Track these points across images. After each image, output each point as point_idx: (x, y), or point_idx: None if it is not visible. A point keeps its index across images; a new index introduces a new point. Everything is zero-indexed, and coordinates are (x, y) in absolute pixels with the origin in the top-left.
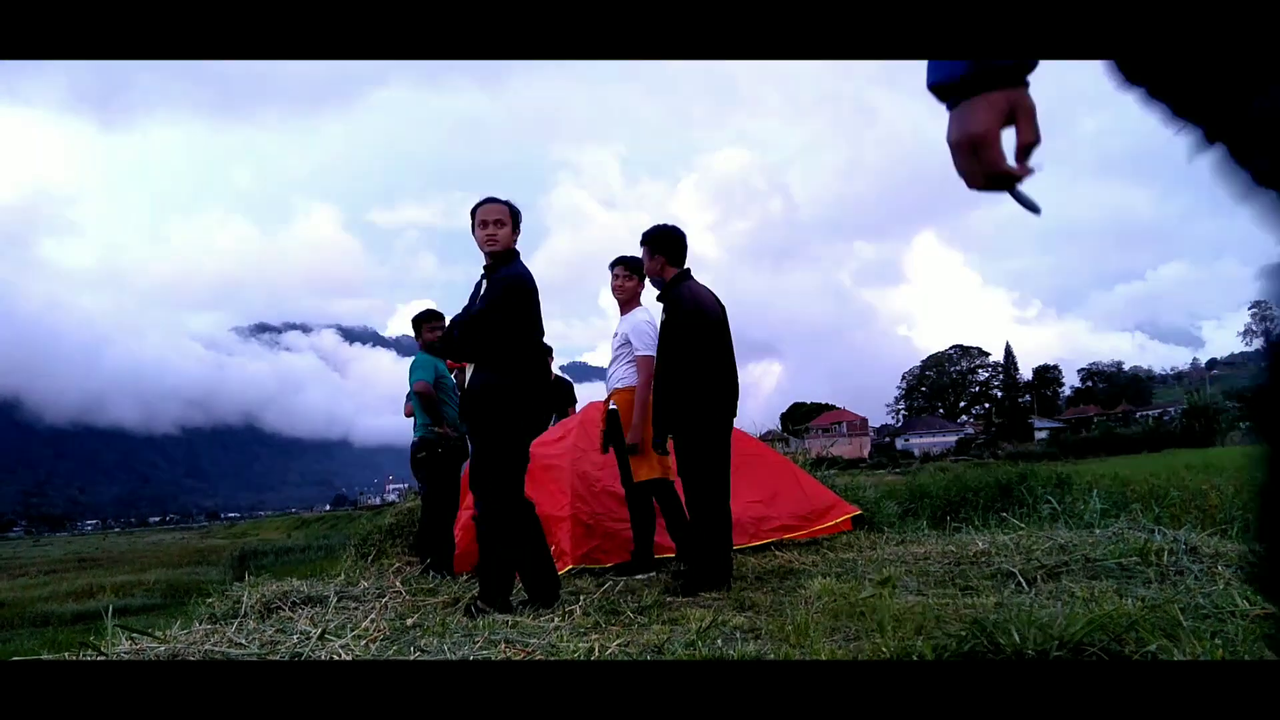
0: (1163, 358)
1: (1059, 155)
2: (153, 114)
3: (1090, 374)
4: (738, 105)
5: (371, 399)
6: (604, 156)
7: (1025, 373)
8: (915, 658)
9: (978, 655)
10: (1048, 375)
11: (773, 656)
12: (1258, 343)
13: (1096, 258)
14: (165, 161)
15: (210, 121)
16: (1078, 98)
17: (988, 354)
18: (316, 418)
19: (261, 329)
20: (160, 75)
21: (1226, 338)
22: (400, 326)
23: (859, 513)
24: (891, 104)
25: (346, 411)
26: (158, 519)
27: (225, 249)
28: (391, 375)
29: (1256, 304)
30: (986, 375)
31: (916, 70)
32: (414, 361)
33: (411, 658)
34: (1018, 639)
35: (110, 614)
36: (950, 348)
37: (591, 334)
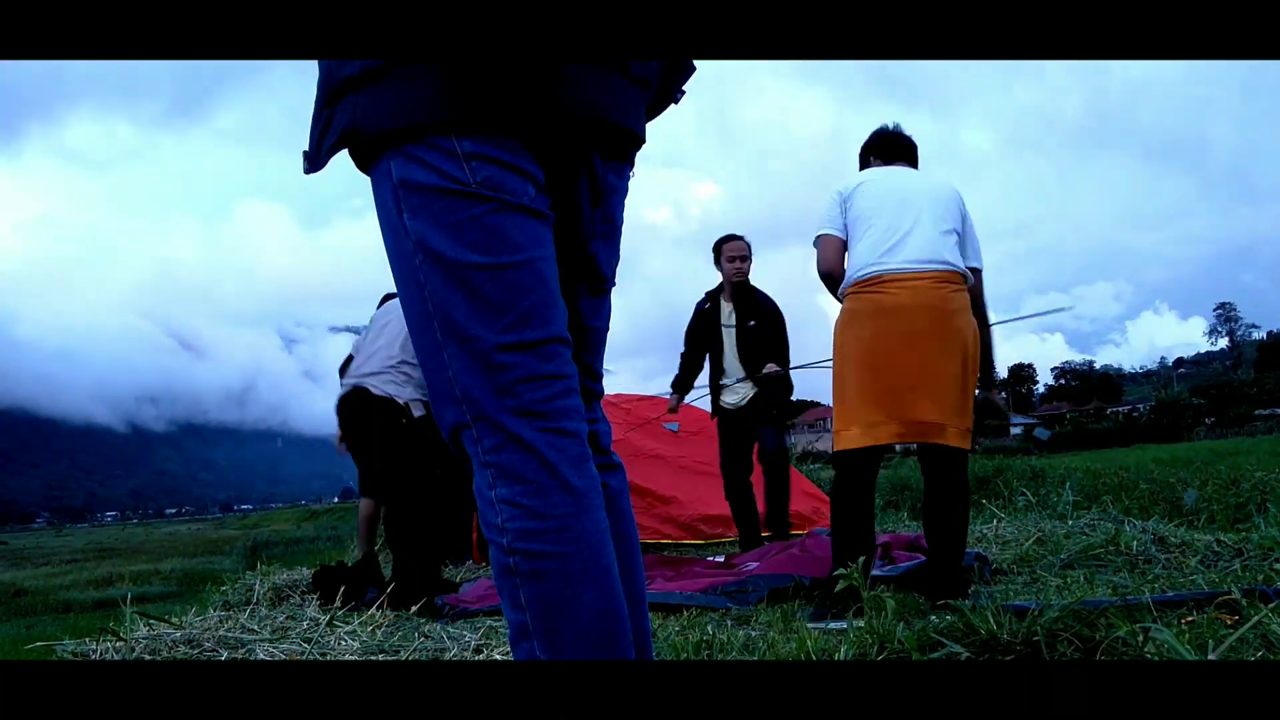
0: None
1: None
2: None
3: (1063, 372)
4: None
5: None
6: None
7: (1001, 370)
8: (898, 642)
9: (956, 639)
10: (1022, 373)
11: (762, 644)
12: (1223, 342)
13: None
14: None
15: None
16: (953, 113)
17: None
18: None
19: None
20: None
21: (1143, 342)
22: None
23: None
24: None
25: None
26: (174, 511)
27: (178, 249)
28: None
29: (1221, 305)
30: None
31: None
32: None
33: (416, 642)
34: (994, 624)
35: (129, 601)
36: None
37: None
